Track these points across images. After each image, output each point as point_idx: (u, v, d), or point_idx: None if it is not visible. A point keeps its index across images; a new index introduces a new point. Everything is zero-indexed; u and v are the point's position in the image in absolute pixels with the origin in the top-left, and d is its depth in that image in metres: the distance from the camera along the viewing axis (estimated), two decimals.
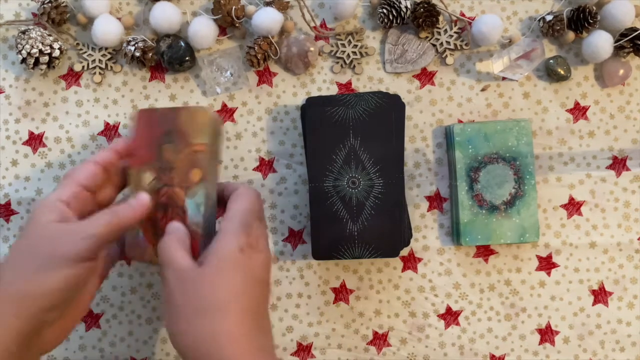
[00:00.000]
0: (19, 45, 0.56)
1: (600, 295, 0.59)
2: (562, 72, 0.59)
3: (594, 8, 0.58)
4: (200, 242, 0.44)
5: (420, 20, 0.57)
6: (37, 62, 0.56)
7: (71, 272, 0.39)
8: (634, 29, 0.57)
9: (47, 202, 0.42)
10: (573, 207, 0.60)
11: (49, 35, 0.57)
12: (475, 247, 0.59)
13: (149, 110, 0.48)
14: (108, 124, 0.60)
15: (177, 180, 0.45)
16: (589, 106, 0.60)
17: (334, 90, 0.60)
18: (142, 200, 0.44)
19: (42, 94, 0.59)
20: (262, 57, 0.58)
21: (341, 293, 0.60)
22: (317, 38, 0.60)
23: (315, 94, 0.60)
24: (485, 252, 0.59)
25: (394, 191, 0.56)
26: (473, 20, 0.59)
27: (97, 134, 0.59)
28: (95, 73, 0.59)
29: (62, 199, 0.42)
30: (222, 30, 0.60)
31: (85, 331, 0.59)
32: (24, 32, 0.56)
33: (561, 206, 0.60)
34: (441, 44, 0.60)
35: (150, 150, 0.47)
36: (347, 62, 0.59)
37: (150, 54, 0.57)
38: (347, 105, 0.56)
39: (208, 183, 0.45)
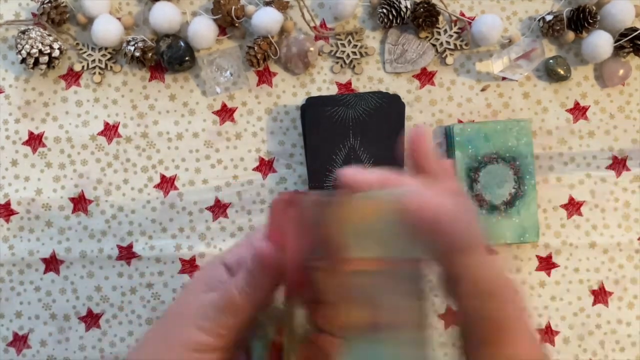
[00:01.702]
0: (18, 45, 0.56)
1: (600, 295, 0.59)
2: (562, 72, 0.59)
3: (594, 8, 0.58)
4: None
5: (420, 20, 0.57)
6: (36, 62, 0.56)
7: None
8: (633, 29, 0.57)
9: (207, 265, 0.35)
10: (573, 207, 0.60)
11: (49, 35, 0.57)
12: None
13: (296, 201, 0.29)
14: (108, 124, 0.60)
15: (327, 321, 0.28)
16: (589, 106, 0.60)
17: (333, 90, 0.60)
18: (261, 248, 0.30)
19: (42, 94, 0.59)
20: (262, 57, 0.58)
21: None
22: (317, 38, 0.60)
23: (315, 94, 0.60)
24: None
25: None
26: (473, 20, 0.59)
27: (97, 134, 0.59)
28: (95, 73, 0.59)
29: (226, 261, 0.34)
30: (222, 30, 0.60)
31: (85, 331, 0.59)
32: (23, 32, 0.56)
33: (561, 206, 0.60)
34: (441, 44, 0.60)
35: (300, 271, 0.28)
36: (347, 62, 0.59)
37: (150, 54, 0.57)
38: (347, 105, 0.56)
39: (385, 330, 0.26)
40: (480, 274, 0.28)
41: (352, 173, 0.28)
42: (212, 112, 0.60)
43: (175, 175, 0.59)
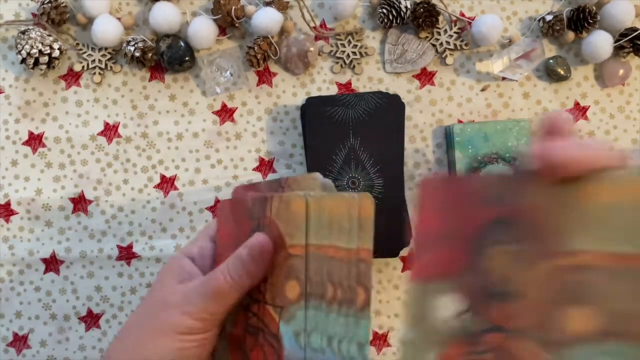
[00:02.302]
0: (18, 46, 0.56)
1: None
2: (562, 72, 0.59)
3: (594, 8, 0.58)
4: None
5: (420, 20, 0.57)
6: (36, 62, 0.56)
7: (179, 345, 0.32)
8: (633, 29, 0.57)
9: (172, 259, 0.37)
10: None
11: (49, 35, 0.57)
12: None
13: (238, 200, 0.35)
14: (108, 124, 0.60)
15: (269, 295, 0.32)
16: (589, 106, 0.60)
17: (333, 90, 0.60)
18: (260, 241, 0.32)
19: (42, 94, 0.59)
20: (262, 57, 0.58)
21: None
22: (316, 38, 0.60)
23: (315, 94, 0.60)
24: None
25: (394, 191, 0.56)
26: (473, 20, 0.59)
27: (97, 134, 0.59)
28: (95, 73, 0.59)
29: (189, 253, 0.37)
30: (222, 30, 0.60)
31: (85, 331, 0.59)
32: (23, 32, 0.56)
33: None
34: (441, 44, 0.60)
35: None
36: (347, 62, 0.59)
37: (150, 54, 0.57)
38: (347, 105, 0.56)
39: (312, 300, 0.30)
40: None
41: (564, 149, 0.21)
42: (212, 112, 0.60)
43: (175, 175, 0.60)
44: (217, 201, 0.59)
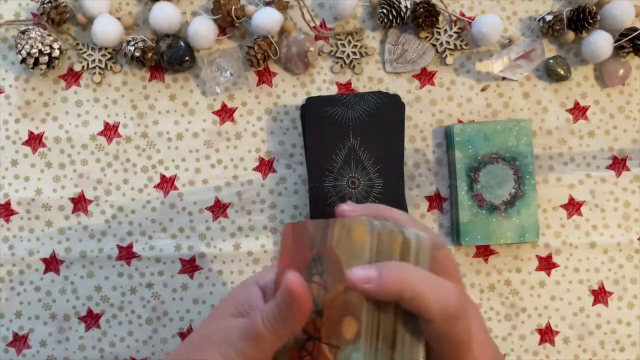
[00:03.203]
0: (18, 45, 0.56)
1: (600, 295, 0.59)
2: (562, 72, 0.59)
3: (594, 8, 0.58)
4: None
5: (420, 20, 0.57)
6: (36, 62, 0.56)
7: None
8: (633, 29, 0.57)
9: (243, 285, 0.34)
10: (573, 207, 0.60)
11: (49, 35, 0.57)
12: (475, 247, 0.59)
13: (300, 224, 0.33)
14: (108, 124, 0.60)
15: (324, 332, 0.29)
16: (589, 106, 0.60)
17: (333, 90, 0.60)
18: (290, 282, 0.28)
19: (42, 94, 0.59)
20: (262, 57, 0.58)
21: None
22: (316, 38, 0.60)
23: (315, 94, 0.60)
24: (485, 252, 0.59)
25: (394, 191, 0.56)
26: (473, 20, 0.59)
27: (97, 134, 0.59)
28: (95, 73, 0.59)
29: (263, 281, 0.34)
30: (222, 30, 0.60)
31: (85, 331, 0.59)
32: (23, 32, 0.56)
33: (561, 206, 0.60)
34: (441, 44, 0.60)
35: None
36: (347, 62, 0.59)
37: (150, 54, 0.57)
38: (347, 105, 0.56)
39: (370, 343, 0.28)
40: None
41: (348, 209, 0.32)
42: (212, 112, 0.60)
43: (175, 175, 0.60)
44: (216, 201, 0.59)
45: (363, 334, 0.27)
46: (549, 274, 0.59)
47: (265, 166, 0.60)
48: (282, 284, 0.29)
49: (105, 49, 0.59)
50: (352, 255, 0.28)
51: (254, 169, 0.60)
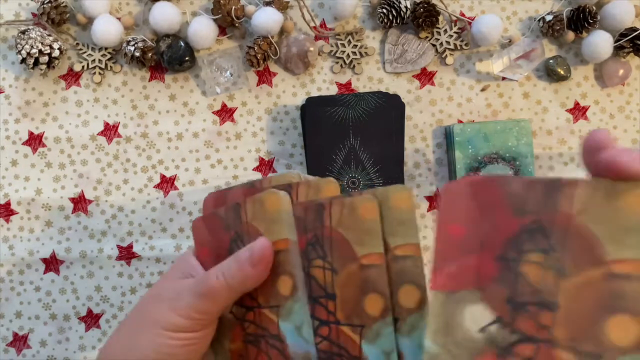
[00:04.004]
0: (18, 45, 0.56)
1: None
2: (562, 72, 0.59)
3: (594, 8, 0.58)
4: None
5: (420, 20, 0.57)
6: (36, 62, 0.56)
7: (163, 342, 0.31)
8: (633, 29, 0.57)
9: (182, 256, 0.35)
10: None
11: (49, 35, 0.57)
12: None
13: (211, 214, 0.34)
14: (108, 124, 0.60)
15: (262, 299, 0.31)
16: (589, 106, 0.60)
17: (333, 90, 0.60)
18: (262, 245, 0.31)
19: (42, 94, 0.59)
20: (262, 57, 0.58)
21: None
22: (316, 38, 0.60)
23: (315, 94, 0.60)
24: None
25: None
26: (473, 20, 0.59)
27: (97, 134, 0.59)
28: (95, 73, 0.59)
29: (195, 241, 0.35)
30: (222, 30, 0.60)
31: (85, 331, 0.59)
32: (23, 32, 0.56)
33: None
34: (441, 44, 0.60)
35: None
36: (347, 62, 0.59)
37: (150, 54, 0.57)
38: (347, 105, 0.56)
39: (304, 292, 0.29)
40: None
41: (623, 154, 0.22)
42: (212, 112, 0.60)
43: (175, 175, 0.60)
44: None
45: (298, 285, 0.27)
46: None
47: (265, 166, 0.60)
48: (253, 245, 0.30)
49: (105, 49, 0.59)
50: (363, 233, 0.27)
51: (254, 169, 0.60)
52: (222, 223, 0.32)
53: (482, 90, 0.60)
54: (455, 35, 0.60)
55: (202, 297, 0.31)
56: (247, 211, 0.31)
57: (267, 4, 0.58)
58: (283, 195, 0.30)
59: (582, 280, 0.21)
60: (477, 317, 0.22)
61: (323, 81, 0.60)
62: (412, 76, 0.60)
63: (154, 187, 0.59)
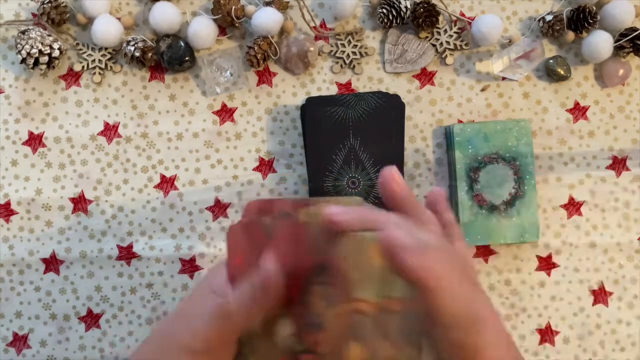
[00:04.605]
0: (18, 45, 0.56)
1: (600, 295, 0.59)
2: (562, 72, 0.59)
3: (594, 8, 0.58)
4: None
5: (420, 20, 0.57)
6: (36, 62, 0.56)
7: None
8: (633, 29, 0.57)
9: (215, 267, 0.35)
10: (573, 207, 0.60)
11: (49, 35, 0.57)
12: (475, 247, 0.59)
13: (249, 222, 0.32)
14: (108, 124, 0.60)
15: (325, 348, 0.29)
16: (589, 106, 0.60)
17: (333, 90, 0.60)
18: (271, 270, 0.30)
19: (42, 94, 0.59)
20: (262, 57, 0.58)
21: None
22: (316, 38, 0.60)
23: (315, 94, 0.60)
24: (485, 252, 0.59)
25: None
26: (473, 20, 0.59)
27: (97, 134, 0.59)
28: (95, 73, 0.59)
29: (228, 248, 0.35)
30: (222, 30, 0.60)
31: (85, 331, 0.59)
32: (23, 32, 0.56)
33: (561, 206, 0.60)
34: (441, 44, 0.60)
35: (294, 284, 0.30)
36: (347, 62, 0.59)
37: (150, 54, 0.57)
38: (347, 105, 0.56)
39: None
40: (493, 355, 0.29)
41: (336, 213, 0.29)
42: (212, 112, 0.60)
43: (175, 175, 0.60)
44: (216, 201, 0.59)
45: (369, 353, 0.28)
46: (549, 274, 0.59)
47: (265, 166, 0.60)
48: (260, 271, 0.31)
49: (105, 49, 0.59)
50: (365, 276, 0.28)
51: (254, 169, 0.60)
52: (309, 236, 0.30)
53: (482, 90, 0.60)
54: (455, 35, 0.60)
55: (220, 320, 0.31)
56: (346, 246, 0.29)
57: (267, 4, 0.58)
58: (387, 245, 0.27)
59: (339, 311, 0.28)
60: (285, 328, 0.30)
61: (323, 81, 0.60)
62: (412, 76, 0.60)
63: (154, 187, 0.59)
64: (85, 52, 0.59)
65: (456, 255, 0.32)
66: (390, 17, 0.58)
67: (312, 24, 0.59)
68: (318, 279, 0.29)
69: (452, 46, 0.59)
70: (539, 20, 0.59)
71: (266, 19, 0.56)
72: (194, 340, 0.32)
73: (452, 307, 0.27)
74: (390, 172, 0.32)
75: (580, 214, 0.59)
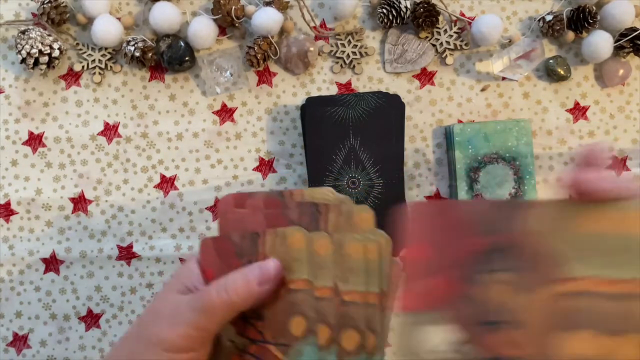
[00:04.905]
0: (18, 45, 0.56)
1: None
2: (562, 72, 0.59)
3: (594, 8, 0.58)
4: None
5: (420, 20, 0.57)
6: (36, 62, 0.56)
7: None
8: (633, 29, 0.57)
9: (184, 264, 0.34)
10: None
11: (49, 35, 0.57)
12: None
13: (222, 238, 0.33)
14: (108, 124, 0.60)
15: (269, 334, 0.30)
16: (589, 106, 0.60)
17: (333, 90, 0.60)
18: (275, 265, 0.30)
19: (42, 94, 0.59)
20: (262, 57, 0.58)
21: None
22: (316, 38, 0.60)
23: (315, 94, 0.60)
24: None
25: (394, 191, 0.56)
26: (473, 20, 0.59)
27: (97, 134, 0.59)
28: (95, 73, 0.59)
29: (200, 260, 0.34)
30: (222, 30, 0.60)
31: (85, 331, 0.59)
32: (23, 32, 0.56)
33: None
34: (441, 44, 0.60)
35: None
36: (347, 62, 0.59)
37: (150, 54, 0.57)
38: (347, 105, 0.56)
39: (318, 336, 0.29)
40: None
41: (596, 178, 0.24)
42: (212, 112, 0.60)
43: (175, 175, 0.60)
44: (216, 201, 0.59)
45: (312, 329, 0.29)
46: None
47: (265, 166, 0.60)
48: (264, 264, 0.30)
49: (105, 49, 0.59)
50: (290, 258, 0.30)
51: (254, 169, 0.60)
52: (235, 249, 0.32)
53: (482, 90, 0.60)
54: (455, 35, 0.60)
55: (201, 312, 0.31)
56: (266, 242, 0.31)
57: (267, 4, 0.58)
58: (307, 235, 0.30)
59: (273, 296, 0.28)
60: (442, 336, 0.23)
61: (323, 81, 0.60)
62: (412, 76, 0.60)
63: (154, 187, 0.59)
64: (85, 52, 0.59)
65: None
66: (390, 17, 0.58)
67: (312, 24, 0.59)
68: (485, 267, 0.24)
69: (452, 46, 0.59)
70: (539, 20, 0.59)
71: (266, 19, 0.56)
72: (172, 336, 0.30)
73: None
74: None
75: None
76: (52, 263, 0.59)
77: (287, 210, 0.32)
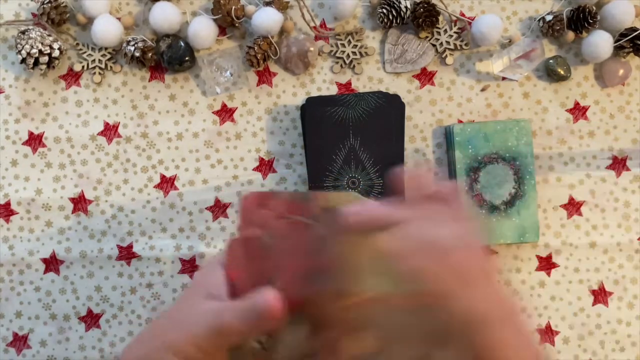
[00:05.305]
0: (18, 45, 0.56)
1: (600, 295, 0.59)
2: (562, 72, 0.59)
3: (594, 8, 0.58)
4: None
5: (420, 20, 0.57)
6: (36, 62, 0.56)
7: None
8: (633, 29, 0.57)
9: (209, 267, 0.34)
10: (573, 207, 0.60)
11: (49, 35, 0.57)
12: None
13: (254, 239, 0.32)
14: (108, 124, 0.60)
15: (330, 347, 0.29)
16: (589, 106, 0.60)
17: (333, 90, 0.60)
18: (272, 301, 0.30)
19: (42, 94, 0.59)
20: (262, 57, 0.58)
21: None
22: (316, 38, 0.60)
23: (315, 94, 0.60)
24: (484, 252, 0.59)
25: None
26: (473, 20, 0.59)
27: (97, 134, 0.59)
28: (95, 73, 0.59)
29: (226, 262, 0.34)
30: (222, 30, 0.60)
31: (85, 331, 0.59)
32: (23, 32, 0.56)
33: (561, 206, 0.60)
34: (441, 44, 0.60)
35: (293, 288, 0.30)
36: (347, 62, 0.59)
37: (150, 54, 0.57)
38: (347, 105, 0.56)
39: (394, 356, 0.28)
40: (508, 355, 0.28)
41: (356, 212, 0.30)
42: (212, 112, 0.60)
43: (175, 175, 0.60)
44: (216, 201, 0.59)
45: (386, 348, 0.28)
46: (549, 274, 0.59)
47: (265, 166, 0.60)
48: (258, 298, 0.30)
49: (105, 49, 0.59)
50: (355, 269, 0.29)
51: (254, 169, 0.60)
52: (264, 252, 0.31)
53: (482, 90, 0.60)
54: (455, 35, 0.60)
55: (217, 333, 0.31)
56: (340, 245, 0.29)
57: (267, 4, 0.58)
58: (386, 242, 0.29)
59: (340, 307, 0.29)
60: (300, 335, 0.32)
61: (323, 81, 0.60)
62: (412, 76, 0.60)
63: (154, 187, 0.59)
64: (85, 52, 0.59)
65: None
66: (390, 17, 0.58)
67: (312, 24, 0.59)
68: (317, 283, 0.29)
69: (452, 46, 0.59)
70: (539, 20, 0.59)
71: (266, 19, 0.56)
72: (187, 345, 0.31)
73: (459, 306, 0.27)
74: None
75: (580, 214, 0.59)
76: (52, 263, 0.59)
77: (311, 219, 0.31)
